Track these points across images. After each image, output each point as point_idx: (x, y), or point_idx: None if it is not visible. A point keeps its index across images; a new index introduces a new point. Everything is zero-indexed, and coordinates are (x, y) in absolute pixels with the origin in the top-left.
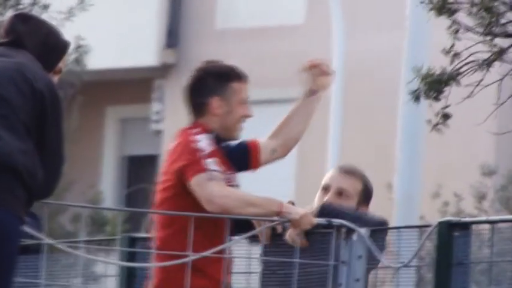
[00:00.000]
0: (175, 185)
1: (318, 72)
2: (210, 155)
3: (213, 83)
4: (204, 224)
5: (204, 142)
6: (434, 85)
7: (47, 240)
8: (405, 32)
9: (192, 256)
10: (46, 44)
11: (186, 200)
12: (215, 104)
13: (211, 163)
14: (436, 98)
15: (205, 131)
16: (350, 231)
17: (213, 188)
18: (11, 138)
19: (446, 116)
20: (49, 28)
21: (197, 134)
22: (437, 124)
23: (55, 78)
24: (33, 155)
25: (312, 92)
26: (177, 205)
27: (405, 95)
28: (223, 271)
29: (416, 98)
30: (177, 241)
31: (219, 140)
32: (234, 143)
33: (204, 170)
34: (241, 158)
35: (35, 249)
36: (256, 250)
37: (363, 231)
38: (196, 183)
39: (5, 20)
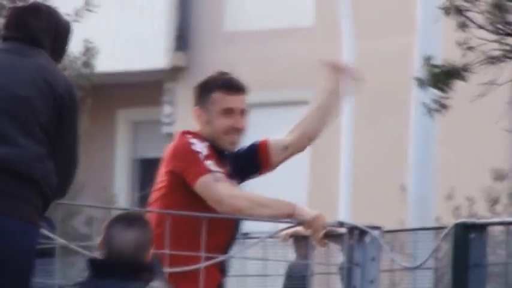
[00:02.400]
0: (166, 186)
1: (335, 70)
2: (208, 157)
3: (198, 93)
4: (195, 227)
5: (198, 145)
6: (441, 76)
7: (61, 242)
8: (415, 33)
9: (203, 263)
10: (58, 36)
11: (173, 199)
12: (196, 113)
13: (212, 164)
14: (442, 89)
15: (197, 137)
16: (363, 233)
17: (221, 188)
18: (28, 143)
19: (443, 106)
20: (55, 16)
21: (191, 138)
22: (431, 110)
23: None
24: (49, 159)
25: (331, 92)
26: (164, 205)
27: (416, 97)
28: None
29: (422, 85)
30: (163, 242)
31: (215, 150)
32: (244, 146)
33: (207, 171)
34: (250, 159)
35: (49, 253)
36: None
37: (376, 232)
38: (203, 185)
39: (8, 10)
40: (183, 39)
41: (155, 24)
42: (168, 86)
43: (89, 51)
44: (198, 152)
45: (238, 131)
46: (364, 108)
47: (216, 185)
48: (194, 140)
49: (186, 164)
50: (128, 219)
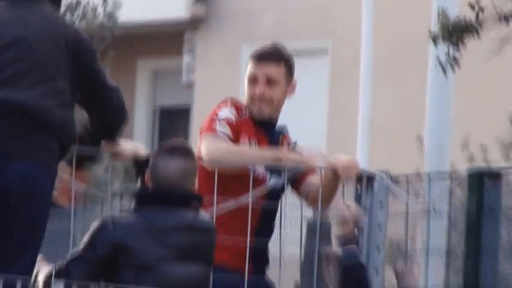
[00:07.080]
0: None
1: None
2: (224, 120)
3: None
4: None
5: (224, 111)
6: (455, 31)
7: (79, 187)
8: None
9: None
10: None
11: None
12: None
13: (221, 125)
14: (456, 45)
15: (233, 103)
16: (371, 178)
17: (207, 144)
18: (48, 90)
19: (455, 60)
20: None
21: (224, 104)
22: (444, 67)
23: None
24: (69, 107)
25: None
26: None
27: (433, 47)
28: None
29: (434, 41)
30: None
31: (256, 119)
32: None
33: (209, 131)
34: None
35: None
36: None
37: (384, 177)
38: (201, 142)
39: None
40: None
41: None
42: (188, 36)
43: (112, 3)
44: (216, 115)
45: (261, 99)
46: (382, 57)
47: (206, 142)
48: (223, 106)
49: (203, 127)
50: (169, 149)
